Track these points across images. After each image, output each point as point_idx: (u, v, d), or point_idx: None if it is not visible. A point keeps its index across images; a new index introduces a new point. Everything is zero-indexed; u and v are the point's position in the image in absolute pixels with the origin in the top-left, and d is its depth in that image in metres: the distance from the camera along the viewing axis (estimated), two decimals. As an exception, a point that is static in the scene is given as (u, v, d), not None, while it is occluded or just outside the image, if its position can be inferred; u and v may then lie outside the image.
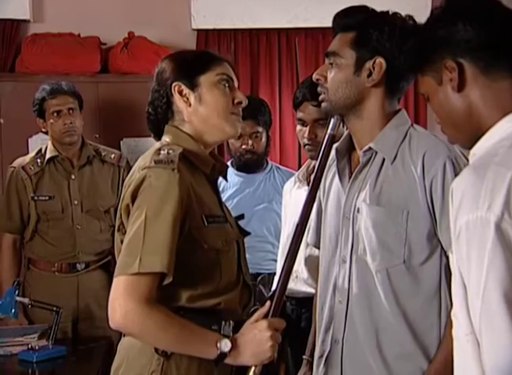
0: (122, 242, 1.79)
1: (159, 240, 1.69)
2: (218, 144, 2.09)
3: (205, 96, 1.89)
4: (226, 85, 1.91)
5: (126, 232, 1.77)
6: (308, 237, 2.15)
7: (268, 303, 1.81)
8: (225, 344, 1.72)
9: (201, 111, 1.89)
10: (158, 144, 1.87)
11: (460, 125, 1.38)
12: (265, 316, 1.79)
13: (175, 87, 1.89)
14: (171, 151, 1.79)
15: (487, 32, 1.33)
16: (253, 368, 1.77)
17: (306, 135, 2.68)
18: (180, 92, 1.89)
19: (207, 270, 1.83)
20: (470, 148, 1.40)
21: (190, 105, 1.89)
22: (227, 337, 1.75)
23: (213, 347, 1.72)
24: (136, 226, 1.71)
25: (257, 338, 1.74)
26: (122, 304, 1.68)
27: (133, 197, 1.77)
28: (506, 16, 1.37)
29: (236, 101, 1.93)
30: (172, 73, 1.91)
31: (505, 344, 1.14)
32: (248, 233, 2.03)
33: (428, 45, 1.40)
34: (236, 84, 1.96)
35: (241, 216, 2.06)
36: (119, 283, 1.70)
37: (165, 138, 1.90)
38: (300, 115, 2.71)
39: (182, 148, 1.82)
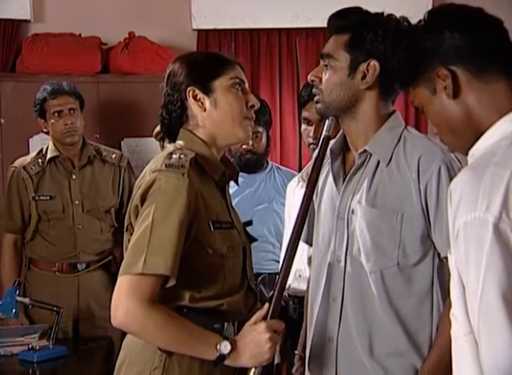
0: (129, 242, 1.80)
1: (165, 242, 1.71)
2: (229, 146, 2.11)
3: (220, 101, 1.90)
4: (239, 88, 1.93)
5: (133, 232, 1.79)
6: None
7: (266, 305, 1.82)
8: (225, 347, 1.74)
9: (216, 115, 1.91)
10: (171, 148, 1.89)
11: (460, 131, 1.38)
12: (264, 318, 1.80)
13: (189, 91, 1.90)
14: (182, 156, 1.81)
15: (474, 37, 1.35)
16: (253, 369, 1.78)
17: (311, 134, 2.68)
18: (195, 97, 1.91)
19: (210, 274, 1.84)
20: None
21: (204, 109, 1.91)
22: (227, 338, 1.76)
23: (213, 349, 1.74)
24: (143, 227, 1.73)
25: (255, 340, 1.76)
26: (123, 303, 1.70)
27: (143, 198, 1.79)
28: (489, 19, 1.39)
29: (249, 105, 1.94)
30: (185, 77, 1.91)
31: (503, 343, 1.15)
32: (255, 240, 2.05)
33: (418, 57, 1.41)
34: (247, 87, 1.98)
35: (249, 222, 2.07)
36: (123, 282, 1.72)
37: (179, 142, 1.92)
38: (305, 114, 2.71)
39: (194, 152, 1.84)
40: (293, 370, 2.28)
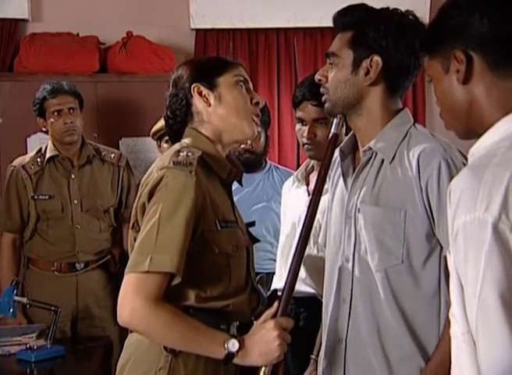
0: (135, 240, 1.81)
1: (171, 240, 1.71)
2: (235, 144, 2.11)
3: (225, 96, 1.92)
4: (243, 86, 1.95)
5: (140, 230, 1.79)
6: (319, 237, 2.16)
7: (275, 304, 1.82)
8: (233, 345, 1.72)
9: (221, 110, 1.92)
10: (177, 146, 1.88)
11: (459, 116, 1.37)
12: (273, 317, 1.80)
13: (194, 88, 1.92)
14: (190, 154, 1.81)
15: (504, 28, 1.30)
16: (263, 368, 1.77)
17: (305, 134, 2.68)
18: (200, 93, 1.92)
19: (216, 273, 1.84)
20: (464, 138, 1.40)
21: (209, 105, 1.92)
22: (235, 337, 1.75)
23: (221, 347, 1.73)
24: (149, 225, 1.73)
25: (264, 338, 1.75)
26: (129, 301, 1.70)
27: (150, 196, 1.78)
28: None
29: (254, 102, 1.96)
30: (189, 76, 1.93)
31: (501, 345, 1.14)
32: (257, 240, 2.05)
33: (442, 30, 1.37)
34: (251, 86, 1.99)
35: (252, 223, 2.07)
36: (129, 280, 1.72)
37: (185, 140, 1.92)
38: (299, 114, 2.71)
39: (201, 151, 1.84)
40: (307, 373, 2.28)
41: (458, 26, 1.33)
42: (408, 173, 1.83)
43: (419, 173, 1.81)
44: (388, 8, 1.92)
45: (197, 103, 1.92)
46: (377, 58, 1.87)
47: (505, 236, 1.15)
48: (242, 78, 1.95)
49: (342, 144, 2.01)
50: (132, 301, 1.69)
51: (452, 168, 1.79)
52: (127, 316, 1.71)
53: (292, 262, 1.87)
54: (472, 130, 1.35)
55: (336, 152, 2.01)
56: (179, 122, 1.95)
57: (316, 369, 2.16)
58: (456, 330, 1.28)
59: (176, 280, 1.72)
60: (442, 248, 1.83)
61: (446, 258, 1.80)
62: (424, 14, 4.07)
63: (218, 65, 1.96)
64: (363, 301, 1.88)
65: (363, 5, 1.94)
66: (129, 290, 1.70)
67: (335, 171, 2.06)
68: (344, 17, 1.92)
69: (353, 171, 1.98)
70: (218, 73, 1.93)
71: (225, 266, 1.85)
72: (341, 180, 2.02)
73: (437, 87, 1.40)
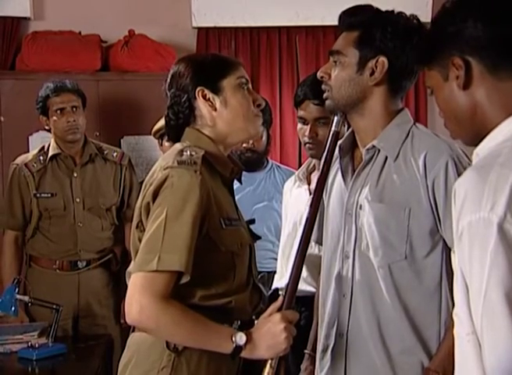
0: (139, 240, 1.81)
1: (179, 239, 1.71)
2: (238, 144, 2.13)
3: (230, 100, 1.91)
4: (245, 88, 1.95)
5: (144, 230, 1.79)
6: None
7: (280, 298, 1.83)
8: (241, 338, 1.74)
9: (227, 114, 1.91)
10: (179, 145, 1.88)
11: (464, 122, 1.37)
12: (279, 310, 1.81)
13: (199, 92, 1.91)
14: (194, 153, 1.81)
15: (497, 30, 1.31)
16: (269, 361, 1.79)
17: (307, 134, 2.67)
18: (204, 97, 1.91)
19: (222, 272, 1.85)
20: (471, 145, 1.40)
21: (215, 109, 1.91)
22: (241, 330, 1.77)
23: (228, 341, 1.74)
24: (156, 224, 1.73)
25: (271, 331, 1.76)
26: (138, 299, 1.70)
27: (155, 195, 1.79)
28: None
29: (256, 104, 1.96)
30: (193, 78, 1.92)
31: (506, 344, 1.14)
32: (259, 238, 2.05)
33: (437, 40, 1.39)
34: (251, 87, 1.99)
35: (252, 221, 2.07)
36: (137, 279, 1.72)
37: (186, 140, 1.92)
38: (301, 113, 2.71)
39: (203, 150, 1.84)
40: (302, 368, 2.28)
41: (453, 34, 1.34)
42: (414, 172, 1.85)
43: (425, 171, 1.84)
44: (393, 11, 1.94)
45: (202, 107, 1.91)
46: (383, 59, 1.88)
47: (510, 235, 1.15)
48: (244, 80, 1.95)
49: (340, 142, 2.02)
50: (140, 299, 1.70)
51: (459, 166, 1.81)
52: (136, 314, 1.71)
53: (296, 255, 1.89)
54: (478, 134, 1.35)
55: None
56: (181, 123, 1.94)
57: (311, 363, 2.17)
58: (461, 331, 1.28)
59: (185, 279, 1.73)
60: (445, 243, 1.85)
61: (448, 253, 1.83)
62: (426, 16, 4.07)
63: (221, 67, 1.94)
64: (363, 296, 1.90)
65: (370, 6, 1.96)
66: (136, 288, 1.71)
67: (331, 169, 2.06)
68: (351, 17, 1.93)
69: (353, 169, 1.99)
70: (222, 76, 1.92)
71: (230, 263, 1.86)
72: (338, 177, 2.03)
73: (438, 97, 1.41)
